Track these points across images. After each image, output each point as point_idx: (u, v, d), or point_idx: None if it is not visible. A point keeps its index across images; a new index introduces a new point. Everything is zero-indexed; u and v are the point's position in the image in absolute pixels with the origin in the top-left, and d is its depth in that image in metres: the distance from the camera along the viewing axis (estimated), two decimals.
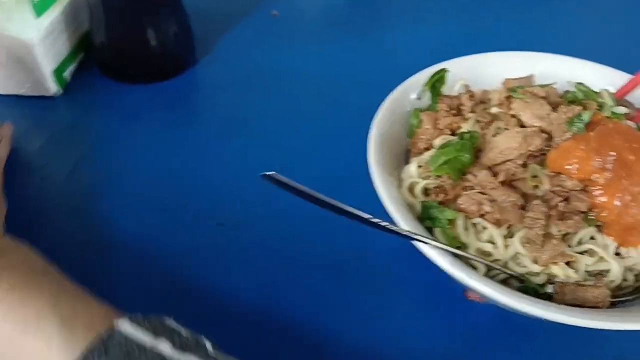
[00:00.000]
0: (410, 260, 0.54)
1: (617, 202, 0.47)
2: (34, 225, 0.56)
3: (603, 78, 0.62)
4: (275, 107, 0.73)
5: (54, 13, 0.70)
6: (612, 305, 0.48)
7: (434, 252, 0.45)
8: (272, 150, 0.66)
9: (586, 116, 0.50)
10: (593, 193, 0.48)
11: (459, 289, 0.52)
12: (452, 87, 0.61)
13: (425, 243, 0.45)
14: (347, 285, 0.53)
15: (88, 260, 0.54)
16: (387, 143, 0.56)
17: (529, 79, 0.59)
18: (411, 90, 0.60)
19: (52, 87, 0.71)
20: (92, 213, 0.58)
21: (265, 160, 0.65)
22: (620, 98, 0.61)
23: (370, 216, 0.43)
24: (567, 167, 0.48)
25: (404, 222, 0.47)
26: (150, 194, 0.60)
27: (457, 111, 0.58)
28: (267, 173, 0.39)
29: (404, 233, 0.45)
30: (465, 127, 0.55)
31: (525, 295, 0.44)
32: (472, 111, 0.57)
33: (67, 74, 0.74)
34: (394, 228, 0.45)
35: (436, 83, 0.59)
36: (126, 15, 0.70)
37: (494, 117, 0.56)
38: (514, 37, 0.85)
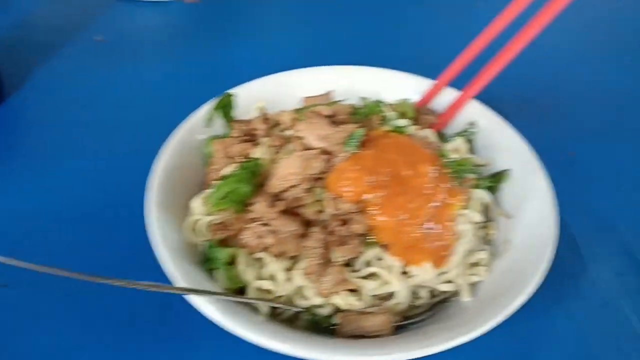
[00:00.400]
0: None
1: (392, 221, 0.45)
2: None
3: (408, 86, 0.61)
4: (88, 139, 0.68)
5: None
6: (402, 327, 0.47)
7: (200, 303, 0.42)
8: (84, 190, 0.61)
9: (359, 134, 0.48)
10: (371, 214, 0.46)
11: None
12: (249, 111, 0.58)
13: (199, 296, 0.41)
14: None
15: None
16: (177, 177, 0.52)
17: (326, 96, 0.57)
18: (203, 117, 0.56)
19: None
20: None
21: (74, 201, 0.60)
22: (423, 105, 0.61)
23: (125, 281, 0.38)
24: (341, 188, 0.46)
25: (175, 272, 0.43)
26: None
27: (252, 136, 0.55)
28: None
29: (165, 291, 0.41)
30: (256, 153, 0.52)
31: (289, 339, 0.40)
32: (267, 135, 0.54)
33: None
34: (164, 289, 0.40)
35: (226, 108, 0.55)
36: None
37: (287, 141, 0.53)
38: (360, 50, 0.84)
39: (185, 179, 0.53)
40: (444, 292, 0.49)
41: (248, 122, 0.55)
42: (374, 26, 0.92)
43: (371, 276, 0.47)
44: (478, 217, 0.51)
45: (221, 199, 0.47)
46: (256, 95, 0.59)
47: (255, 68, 0.62)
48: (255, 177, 0.49)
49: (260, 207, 0.47)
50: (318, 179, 0.49)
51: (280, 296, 0.46)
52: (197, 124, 0.56)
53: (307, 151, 0.49)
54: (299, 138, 0.51)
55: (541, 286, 0.53)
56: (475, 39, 0.58)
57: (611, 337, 0.52)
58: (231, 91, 0.58)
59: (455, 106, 0.59)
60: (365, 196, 0.46)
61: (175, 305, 0.47)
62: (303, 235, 0.46)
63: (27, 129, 0.71)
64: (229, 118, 0.55)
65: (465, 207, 0.50)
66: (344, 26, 0.92)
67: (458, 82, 0.61)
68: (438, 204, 0.47)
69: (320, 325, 0.46)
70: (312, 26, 0.92)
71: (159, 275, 0.43)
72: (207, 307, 0.41)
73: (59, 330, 0.48)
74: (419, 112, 0.59)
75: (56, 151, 0.66)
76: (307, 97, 0.56)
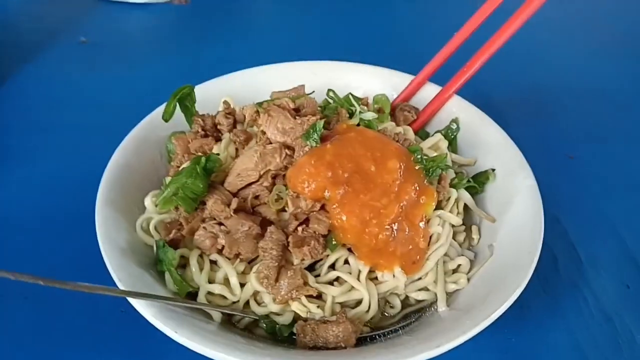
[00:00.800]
0: None
1: (355, 221, 0.41)
2: None
3: (387, 82, 0.58)
4: (63, 140, 0.65)
5: None
6: (372, 339, 0.42)
7: (140, 307, 0.38)
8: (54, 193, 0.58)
9: (319, 126, 0.44)
10: (332, 213, 0.42)
11: None
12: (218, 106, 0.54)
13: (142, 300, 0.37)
14: None
15: None
16: (134, 176, 0.49)
17: (296, 90, 0.53)
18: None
19: None
20: None
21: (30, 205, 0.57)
22: (402, 101, 0.57)
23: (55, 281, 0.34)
24: (300, 185, 0.42)
25: (116, 272, 0.39)
26: None
27: (216, 132, 0.51)
28: None
29: (100, 293, 0.37)
30: (216, 149, 0.48)
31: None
32: (230, 131, 0.51)
33: None
34: (82, 289, 0.36)
35: (186, 102, 0.52)
36: None
37: (251, 137, 0.49)
38: (343, 47, 0.81)
39: (144, 177, 0.50)
40: (419, 301, 0.45)
41: (211, 117, 0.52)
42: (358, 23, 0.89)
43: (336, 281, 0.43)
44: (455, 219, 0.46)
45: (171, 196, 0.43)
46: (226, 91, 0.56)
47: (243, 67, 0.59)
48: (210, 173, 0.45)
49: (212, 204, 0.43)
50: (279, 176, 0.45)
51: (236, 302, 0.42)
52: (159, 121, 0.53)
53: (266, 146, 0.45)
54: (263, 133, 0.47)
55: (537, 295, 0.50)
56: (455, 34, 0.55)
57: (611, 352, 0.47)
58: (202, 85, 0.55)
59: (436, 102, 0.55)
60: (326, 193, 0.41)
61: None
62: (261, 236, 0.42)
63: (1, 129, 0.69)
64: (190, 113, 0.52)
65: (439, 208, 0.46)
66: (331, 23, 0.90)
67: (442, 79, 0.57)
68: (407, 203, 0.42)
69: (280, 335, 0.42)
70: (299, 26, 0.89)
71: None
72: (147, 311, 0.37)
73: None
74: (397, 109, 0.55)
75: (23, 153, 0.64)
76: (275, 92, 0.53)
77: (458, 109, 0.55)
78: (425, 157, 0.45)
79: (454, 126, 0.54)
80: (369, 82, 0.58)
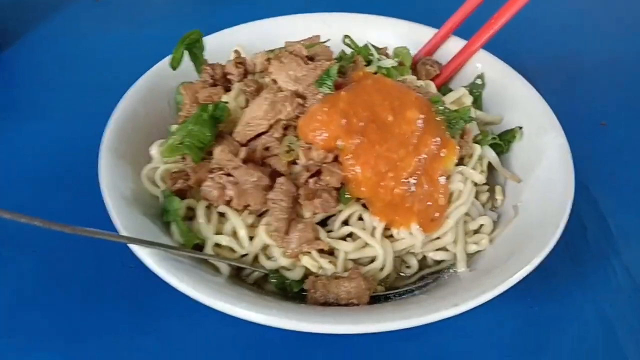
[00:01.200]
0: None
1: (370, 173, 0.38)
2: None
3: (408, 35, 0.54)
4: (68, 102, 0.63)
5: None
6: (386, 299, 0.40)
7: (143, 255, 0.36)
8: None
9: (333, 71, 0.41)
10: (346, 164, 0.39)
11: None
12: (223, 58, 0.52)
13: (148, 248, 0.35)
14: None
15: None
16: (140, 125, 0.47)
17: (313, 39, 0.50)
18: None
19: None
20: None
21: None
22: (426, 55, 0.54)
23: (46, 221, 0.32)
24: (312, 134, 0.39)
25: (117, 219, 0.38)
26: None
27: (226, 82, 0.49)
28: None
29: (101, 238, 0.35)
30: (226, 98, 0.46)
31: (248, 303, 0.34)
32: (241, 80, 0.48)
33: None
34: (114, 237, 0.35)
35: (194, 49, 0.49)
36: None
37: (262, 86, 0.47)
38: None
39: (152, 127, 0.48)
40: (438, 262, 0.42)
41: (221, 66, 0.49)
42: None
43: (349, 237, 0.40)
44: (478, 177, 0.43)
45: (177, 144, 0.41)
46: (236, 42, 0.53)
47: None
48: (218, 122, 0.42)
49: (219, 153, 0.41)
50: (290, 127, 0.43)
51: (244, 255, 0.40)
52: (168, 70, 0.50)
53: (277, 94, 0.42)
54: (275, 82, 0.45)
55: (564, 264, 0.48)
56: None
57: (639, 324, 0.44)
58: (212, 36, 0.52)
59: (460, 57, 0.52)
60: (339, 143, 0.39)
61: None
62: (270, 188, 0.40)
63: (12, 85, 0.68)
64: (199, 61, 0.50)
65: (461, 164, 0.43)
66: None
67: (468, 33, 0.54)
68: (426, 156, 0.40)
69: (290, 291, 0.39)
70: None
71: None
72: (151, 259, 0.35)
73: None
74: (419, 63, 0.52)
75: (34, 108, 0.63)
76: (288, 42, 0.50)
77: (484, 64, 0.52)
78: (447, 109, 0.42)
79: (479, 82, 0.51)
80: (388, 35, 0.54)
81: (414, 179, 0.40)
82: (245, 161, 0.41)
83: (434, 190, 0.40)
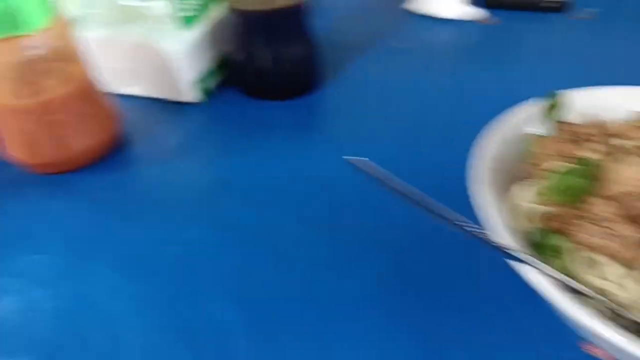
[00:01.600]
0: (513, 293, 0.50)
1: None
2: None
3: None
4: (385, 134, 0.74)
5: (197, 30, 0.78)
6: None
7: (547, 283, 0.42)
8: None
9: None
10: None
11: (571, 338, 0.47)
12: (574, 118, 0.58)
13: (538, 269, 0.42)
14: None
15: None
16: (494, 166, 0.54)
17: None
18: (526, 115, 0.58)
19: (194, 95, 0.79)
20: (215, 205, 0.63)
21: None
22: None
23: (477, 227, 0.41)
24: None
25: (512, 243, 0.45)
26: (268, 198, 0.64)
27: (578, 140, 0.55)
28: (352, 159, 0.39)
29: (513, 253, 0.42)
30: (584, 155, 0.52)
31: None
32: (597, 141, 0.53)
33: (209, 85, 0.82)
34: (502, 245, 0.42)
35: (552, 109, 0.56)
36: (259, 40, 0.78)
37: (621, 150, 0.52)
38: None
39: (505, 171, 0.55)
40: None
41: (576, 125, 0.55)
42: None
43: None
44: None
45: (561, 191, 0.47)
46: (583, 102, 0.59)
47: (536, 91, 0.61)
48: (593, 177, 0.48)
49: (602, 207, 0.46)
50: None
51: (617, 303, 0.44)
52: (516, 119, 0.58)
53: None
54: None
55: None
56: None
57: None
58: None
59: None
60: None
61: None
62: None
63: (336, 113, 0.81)
64: (552, 118, 0.56)
65: None
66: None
67: None
68: None
69: None
70: (616, 50, 0.89)
71: None
72: (556, 293, 0.41)
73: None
74: None
75: (363, 135, 0.74)
76: (637, 112, 0.54)
77: None
78: None
79: None
80: None
81: None
82: (623, 217, 0.46)
83: None
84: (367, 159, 0.39)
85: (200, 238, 0.59)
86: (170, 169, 0.69)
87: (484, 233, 0.41)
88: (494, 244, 0.41)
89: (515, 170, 0.56)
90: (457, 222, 0.39)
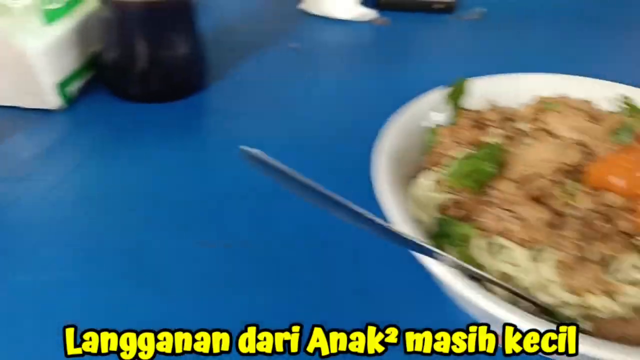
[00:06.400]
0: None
1: None
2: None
3: None
4: (280, 133, 0.69)
5: (63, 26, 0.68)
6: None
7: (446, 271, 0.38)
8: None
9: (630, 124, 0.43)
10: None
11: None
12: (475, 105, 0.55)
13: (437, 258, 0.38)
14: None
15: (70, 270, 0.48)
16: (397, 158, 0.50)
17: (565, 98, 0.53)
18: (427, 105, 0.55)
19: (54, 101, 0.68)
20: (76, 224, 0.53)
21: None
22: None
23: (379, 219, 0.36)
24: (612, 180, 0.41)
25: (412, 233, 0.40)
26: (140, 211, 0.55)
27: (481, 126, 0.52)
28: (248, 149, 0.32)
29: (414, 241, 0.38)
30: (488, 140, 0.49)
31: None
32: (498, 127, 0.51)
33: (72, 89, 0.71)
34: (402, 234, 0.37)
35: (456, 96, 0.53)
36: (137, 36, 0.69)
37: (522, 134, 0.50)
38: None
39: (408, 161, 0.51)
40: None
41: (477, 112, 0.53)
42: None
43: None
44: None
45: (463, 177, 0.44)
46: (482, 91, 0.57)
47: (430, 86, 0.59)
48: (496, 160, 0.45)
49: (505, 189, 0.43)
50: (567, 172, 0.44)
51: (518, 286, 0.41)
52: (418, 110, 0.55)
53: (563, 139, 0.45)
54: (548, 132, 0.47)
55: None
56: None
57: None
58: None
59: None
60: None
61: None
62: (552, 225, 0.41)
63: (222, 114, 0.74)
64: (456, 107, 0.53)
65: None
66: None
67: None
68: None
69: None
70: (501, 49, 0.90)
71: None
72: (454, 280, 0.37)
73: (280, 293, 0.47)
74: None
75: (251, 136, 0.67)
76: (542, 97, 0.53)
77: None
78: None
79: None
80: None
81: None
82: (527, 199, 0.43)
83: None
84: (261, 151, 0.33)
85: (56, 263, 0.48)
86: (22, 187, 0.58)
87: (384, 224, 0.36)
88: (394, 235, 0.37)
89: (420, 161, 0.53)
90: (356, 213, 0.34)
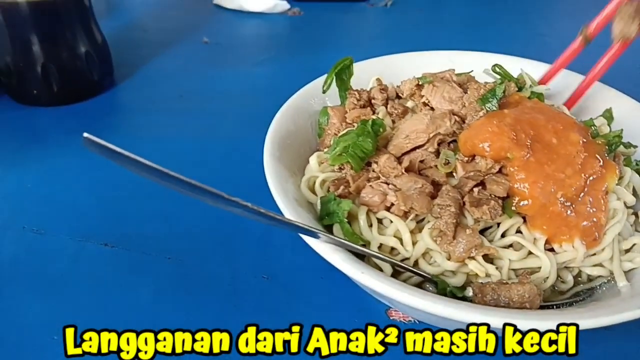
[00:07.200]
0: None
1: (539, 191, 0.40)
2: None
3: (526, 70, 0.57)
4: (190, 126, 0.68)
5: None
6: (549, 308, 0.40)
7: (324, 247, 0.37)
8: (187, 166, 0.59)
9: (499, 91, 0.44)
10: (515, 177, 0.41)
11: (378, 307, 0.44)
12: (366, 85, 0.56)
13: (318, 237, 0.37)
14: None
15: None
16: (290, 143, 0.50)
17: (447, 72, 0.54)
18: (318, 89, 0.54)
19: None
20: None
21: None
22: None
23: (236, 199, 0.34)
24: (479, 145, 0.42)
25: (291, 215, 0.39)
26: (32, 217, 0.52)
27: (369, 105, 0.52)
28: (91, 137, 0.31)
29: (286, 221, 0.37)
30: (370, 117, 0.49)
31: (443, 297, 0.36)
32: (385, 105, 0.51)
33: None
34: (269, 213, 0.36)
35: (343, 75, 0.53)
36: (32, 38, 0.66)
37: (408, 110, 0.50)
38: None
39: (301, 143, 0.51)
40: (590, 279, 0.43)
41: (365, 91, 0.53)
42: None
43: (510, 247, 0.42)
44: (630, 198, 0.45)
45: (341, 154, 0.44)
46: (372, 72, 0.57)
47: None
48: (376, 136, 0.45)
49: (385, 162, 0.43)
50: (446, 142, 0.45)
51: (405, 259, 0.41)
52: (311, 93, 0.54)
53: (435, 111, 0.45)
54: (424, 105, 0.48)
55: None
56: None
57: None
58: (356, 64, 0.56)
59: (581, 90, 0.54)
60: (509, 153, 0.41)
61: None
62: (433, 195, 0.42)
63: (130, 112, 0.72)
64: (344, 86, 0.53)
65: (617, 184, 0.44)
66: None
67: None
68: (591, 177, 0.41)
69: (452, 297, 0.40)
70: (410, 33, 0.92)
71: None
72: (332, 254, 0.37)
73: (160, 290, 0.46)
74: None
75: (159, 133, 0.66)
76: (426, 73, 0.53)
77: (606, 98, 0.55)
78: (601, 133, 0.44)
79: (607, 115, 0.53)
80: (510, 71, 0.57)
81: (580, 198, 0.41)
82: (406, 170, 0.43)
83: (597, 209, 0.41)
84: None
85: None
86: None
87: (253, 207, 0.34)
88: (280, 220, 0.36)
89: (312, 143, 0.53)
90: (228, 200, 0.33)
